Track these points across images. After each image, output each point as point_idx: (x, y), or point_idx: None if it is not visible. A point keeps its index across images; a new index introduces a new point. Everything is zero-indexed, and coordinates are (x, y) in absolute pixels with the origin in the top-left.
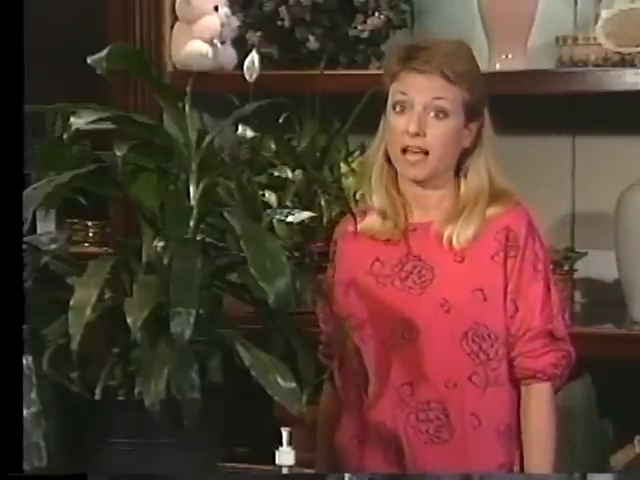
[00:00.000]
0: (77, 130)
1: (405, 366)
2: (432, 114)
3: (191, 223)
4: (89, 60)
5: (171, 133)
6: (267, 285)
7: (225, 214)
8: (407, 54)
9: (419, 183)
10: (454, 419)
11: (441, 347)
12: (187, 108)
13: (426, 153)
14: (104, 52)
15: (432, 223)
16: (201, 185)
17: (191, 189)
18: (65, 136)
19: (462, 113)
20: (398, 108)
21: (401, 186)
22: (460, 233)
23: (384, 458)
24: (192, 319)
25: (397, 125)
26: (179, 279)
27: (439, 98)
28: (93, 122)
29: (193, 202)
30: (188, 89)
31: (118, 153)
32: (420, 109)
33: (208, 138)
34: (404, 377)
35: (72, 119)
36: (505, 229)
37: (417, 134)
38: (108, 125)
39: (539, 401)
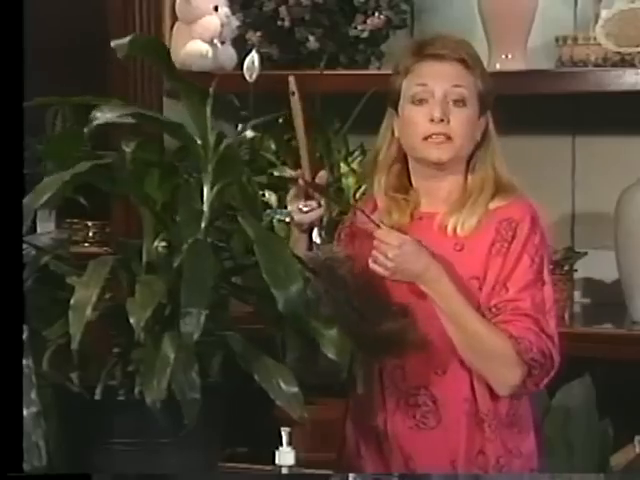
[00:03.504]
0: (97, 126)
1: (399, 351)
2: (452, 102)
3: (202, 225)
4: (112, 44)
5: (191, 134)
6: (279, 291)
7: (239, 218)
8: (421, 45)
9: (438, 167)
10: (442, 406)
11: (437, 333)
12: (208, 110)
13: (449, 139)
14: (126, 39)
15: (437, 214)
16: (215, 188)
17: (205, 191)
18: (85, 131)
19: (477, 103)
20: (417, 100)
21: (414, 180)
22: (465, 221)
23: (368, 448)
24: (203, 319)
25: (417, 116)
26: (191, 279)
27: (458, 86)
28: (117, 119)
29: (206, 204)
30: (211, 90)
31: (127, 149)
32: (441, 96)
33: (226, 141)
34: (397, 362)
35: (93, 114)
36: (507, 220)
37: (442, 120)
38: (128, 120)
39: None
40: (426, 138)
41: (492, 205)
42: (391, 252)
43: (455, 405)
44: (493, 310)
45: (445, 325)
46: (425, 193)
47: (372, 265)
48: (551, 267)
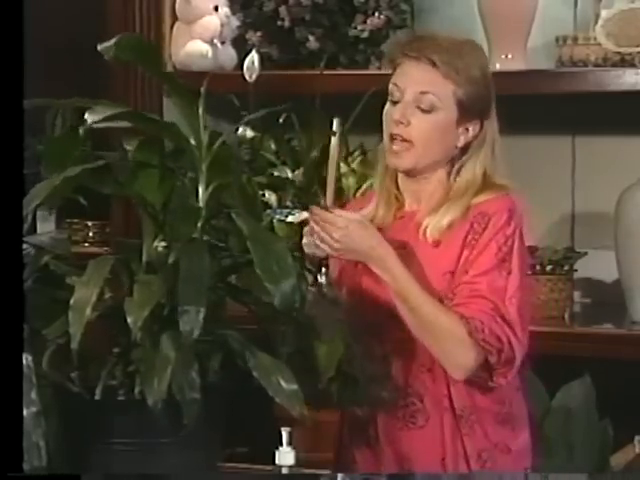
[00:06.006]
0: (93, 126)
1: (383, 351)
2: (419, 107)
3: (199, 224)
4: (99, 47)
5: (184, 133)
6: (273, 287)
7: (233, 215)
8: (406, 42)
9: (407, 174)
10: (428, 404)
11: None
12: (200, 109)
13: (410, 143)
14: (112, 41)
15: (417, 212)
16: (210, 187)
17: (200, 190)
18: (80, 131)
19: (455, 111)
20: (393, 98)
21: (399, 178)
22: (435, 224)
23: (360, 450)
24: (201, 317)
25: (388, 113)
26: (188, 278)
27: (426, 92)
28: (108, 119)
29: (201, 203)
30: (202, 90)
31: (128, 147)
32: (409, 100)
33: (220, 140)
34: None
35: (87, 114)
36: (481, 214)
37: (401, 122)
38: (122, 123)
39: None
40: (391, 139)
41: (474, 201)
42: (336, 233)
43: (438, 402)
44: (450, 295)
45: (398, 307)
46: (407, 192)
47: (318, 243)
48: (551, 267)
